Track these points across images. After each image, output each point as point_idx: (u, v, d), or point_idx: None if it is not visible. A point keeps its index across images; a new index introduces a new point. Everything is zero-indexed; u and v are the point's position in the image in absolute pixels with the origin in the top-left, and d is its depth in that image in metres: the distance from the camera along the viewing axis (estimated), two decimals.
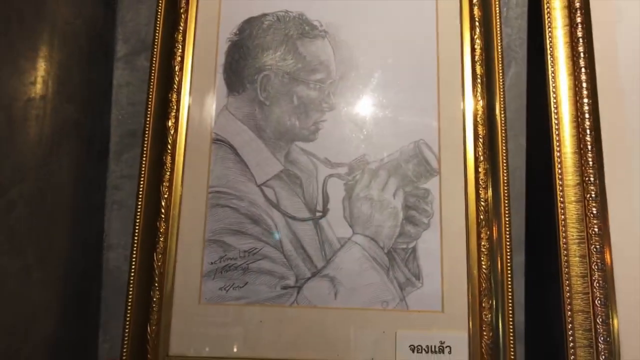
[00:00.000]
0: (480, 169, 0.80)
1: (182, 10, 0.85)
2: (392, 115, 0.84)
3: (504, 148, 0.81)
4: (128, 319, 0.76)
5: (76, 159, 0.83)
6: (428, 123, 0.83)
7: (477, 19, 0.85)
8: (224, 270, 0.79)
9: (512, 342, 0.75)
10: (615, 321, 0.73)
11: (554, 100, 0.80)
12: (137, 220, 0.78)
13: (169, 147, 0.81)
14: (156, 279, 0.77)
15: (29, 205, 0.71)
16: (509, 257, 0.77)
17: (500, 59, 0.83)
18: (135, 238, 0.78)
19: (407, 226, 0.80)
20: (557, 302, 0.75)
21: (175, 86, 0.83)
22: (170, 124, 0.82)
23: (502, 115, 0.82)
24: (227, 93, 0.84)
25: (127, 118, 0.94)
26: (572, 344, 0.73)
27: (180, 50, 0.84)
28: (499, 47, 0.84)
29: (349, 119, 0.84)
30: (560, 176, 0.78)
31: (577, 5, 0.82)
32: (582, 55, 0.80)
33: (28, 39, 0.71)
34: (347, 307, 0.78)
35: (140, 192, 0.79)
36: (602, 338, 0.73)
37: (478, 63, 0.83)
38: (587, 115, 0.78)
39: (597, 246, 0.75)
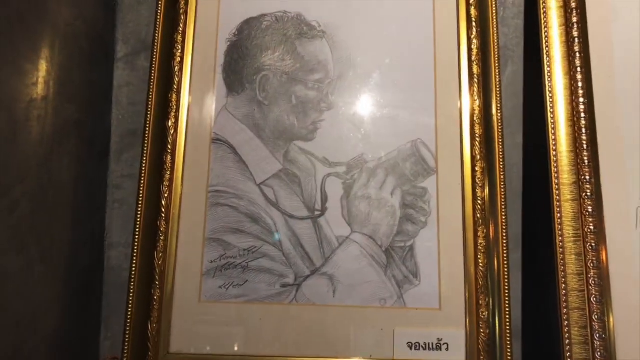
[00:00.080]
0: (477, 168, 0.81)
1: (181, 12, 0.86)
2: (390, 114, 0.85)
3: (500, 147, 0.81)
4: (129, 316, 0.77)
5: (77, 159, 0.84)
6: (425, 122, 0.84)
7: (474, 19, 0.85)
8: (224, 269, 0.80)
9: (508, 338, 0.76)
10: (611, 318, 0.74)
11: (550, 100, 0.81)
12: (138, 219, 0.79)
13: (169, 146, 0.82)
14: (157, 277, 0.78)
15: (31, 204, 0.72)
16: (505, 254, 0.78)
17: (496, 59, 0.84)
18: (136, 237, 0.79)
19: (405, 224, 0.81)
20: (553, 299, 0.76)
21: (175, 86, 0.84)
22: (170, 123, 0.83)
23: (499, 115, 0.82)
24: (227, 93, 0.85)
25: (127, 118, 0.95)
26: (568, 340, 0.74)
27: (180, 51, 0.85)
28: (496, 47, 0.84)
29: (347, 119, 0.84)
30: (556, 175, 0.79)
31: (573, 5, 0.83)
32: (578, 54, 0.81)
33: (29, 41, 0.72)
34: (346, 304, 0.79)
35: (141, 191, 0.80)
36: (597, 335, 0.73)
37: (475, 63, 0.84)
38: (582, 115, 0.79)
39: (593, 244, 0.76)
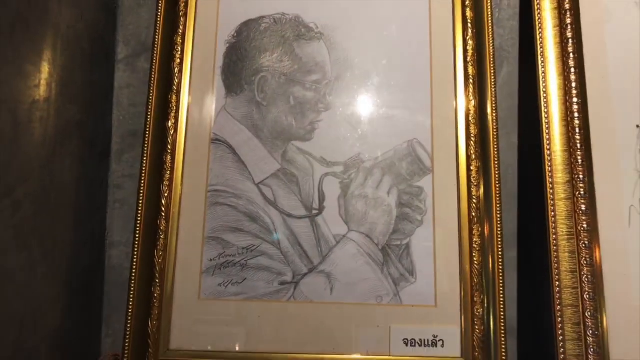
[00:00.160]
0: (472, 167, 0.82)
1: (181, 14, 0.87)
2: (387, 115, 0.86)
3: (495, 147, 0.82)
4: (130, 314, 0.78)
5: (79, 159, 0.85)
6: (421, 122, 0.85)
7: (469, 21, 0.86)
8: (223, 267, 0.81)
9: (503, 335, 0.77)
10: (604, 315, 0.75)
11: (544, 100, 0.82)
12: (138, 219, 0.80)
13: (169, 147, 0.83)
14: (157, 275, 0.79)
15: (33, 204, 0.73)
16: (500, 253, 0.79)
17: (492, 60, 0.85)
18: (137, 236, 0.80)
19: (401, 223, 0.82)
20: (547, 296, 0.77)
21: (175, 87, 0.85)
22: (170, 124, 0.84)
23: (494, 115, 0.83)
24: (226, 94, 0.86)
25: (128, 119, 0.96)
26: (561, 337, 0.75)
27: (179, 53, 0.86)
28: (491, 48, 0.85)
29: (344, 119, 0.85)
30: (550, 174, 0.80)
31: (567, 6, 0.84)
32: (571, 55, 0.82)
33: (32, 43, 0.73)
34: (343, 302, 0.80)
35: (141, 191, 0.81)
36: (590, 331, 0.74)
37: (470, 64, 0.85)
38: (576, 115, 0.80)
39: (586, 242, 0.77)
